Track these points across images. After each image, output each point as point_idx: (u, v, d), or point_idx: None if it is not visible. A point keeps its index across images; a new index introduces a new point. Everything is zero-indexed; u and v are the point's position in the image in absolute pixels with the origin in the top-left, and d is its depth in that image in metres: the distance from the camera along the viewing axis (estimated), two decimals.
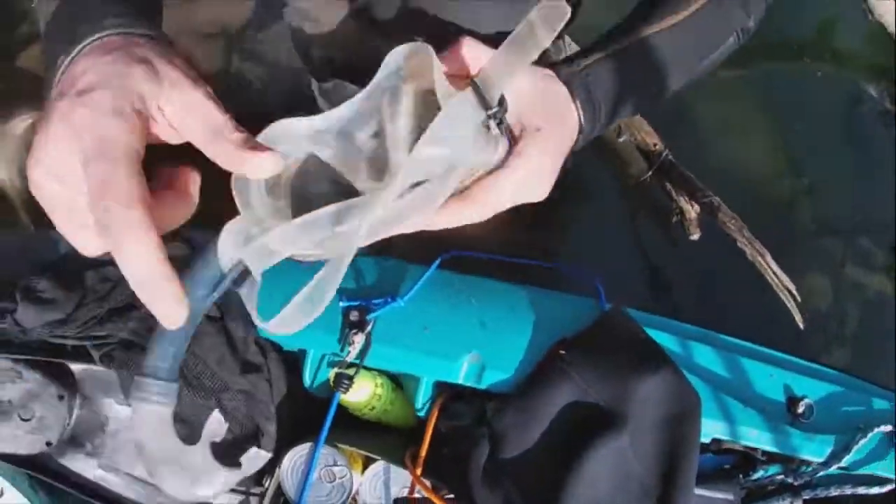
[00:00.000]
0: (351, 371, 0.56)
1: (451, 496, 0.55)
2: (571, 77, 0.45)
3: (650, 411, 0.56)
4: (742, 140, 1.10)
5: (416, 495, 0.56)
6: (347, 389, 0.55)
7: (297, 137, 0.36)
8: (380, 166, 0.36)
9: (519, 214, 0.44)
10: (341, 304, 0.57)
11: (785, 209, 1.07)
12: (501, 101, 0.36)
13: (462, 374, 0.56)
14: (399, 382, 0.62)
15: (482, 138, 0.36)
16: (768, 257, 0.92)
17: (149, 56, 0.34)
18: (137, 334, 0.57)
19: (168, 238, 0.33)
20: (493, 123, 0.36)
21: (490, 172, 0.40)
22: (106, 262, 0.58)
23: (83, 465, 0.63)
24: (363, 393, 0.57)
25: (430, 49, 0.33)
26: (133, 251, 0.30)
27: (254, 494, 0.63)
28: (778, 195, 1.07)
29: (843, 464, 0.54)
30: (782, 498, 0.57)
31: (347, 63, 0.59)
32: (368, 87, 0.35)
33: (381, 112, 0.35)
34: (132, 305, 0.56)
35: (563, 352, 0.57)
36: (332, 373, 0.56)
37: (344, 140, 0.36)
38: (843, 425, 0.57)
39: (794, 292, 0.90)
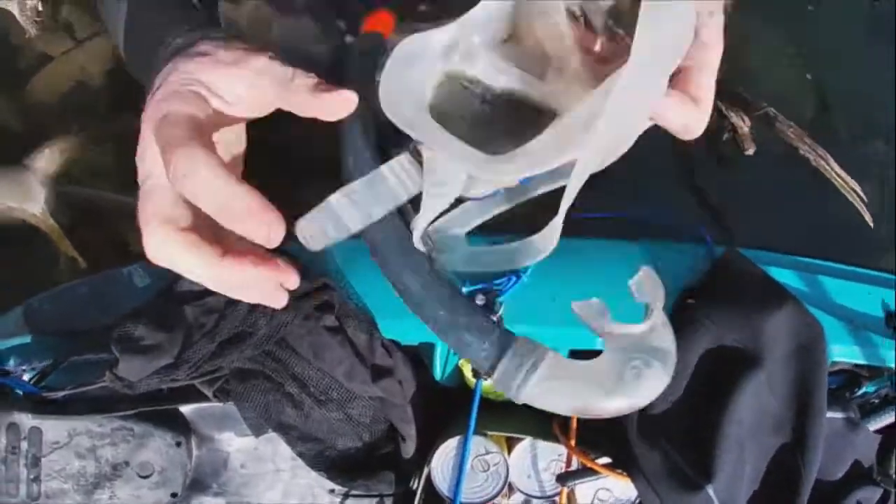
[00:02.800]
0: None
1: (607, 461, 0.59)
2: None
3: (781, 346, 0.61)
4: (765, 53, 1.15)
5: (572, 467, 0.60)
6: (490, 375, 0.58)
7: (431, 57, 0.35)
8: (560, 65, 0.36)
9: None
10: (465, 288, 0.59)
11: (816, 119, 1.13)
12: None
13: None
14: None
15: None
16: (831, 161, 0.97)
17: (207, 49, 0.39)
18: (255, 361, 0.57)
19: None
20: None
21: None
22: (205, 294, 0.56)
23: None
24: None
25: None
26: (201, 179, 0.31)
27: (388, 495, 0.66)
28: (808, 106, 1.13)
29: None
30: (888, 410, 0.64)
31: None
32: None
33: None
34: (246, 333, 0.55)
35: (690, 300, 0.61)
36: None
37: (494, 49, 0.36)
38: None
39: (860, 192, 0.97)
